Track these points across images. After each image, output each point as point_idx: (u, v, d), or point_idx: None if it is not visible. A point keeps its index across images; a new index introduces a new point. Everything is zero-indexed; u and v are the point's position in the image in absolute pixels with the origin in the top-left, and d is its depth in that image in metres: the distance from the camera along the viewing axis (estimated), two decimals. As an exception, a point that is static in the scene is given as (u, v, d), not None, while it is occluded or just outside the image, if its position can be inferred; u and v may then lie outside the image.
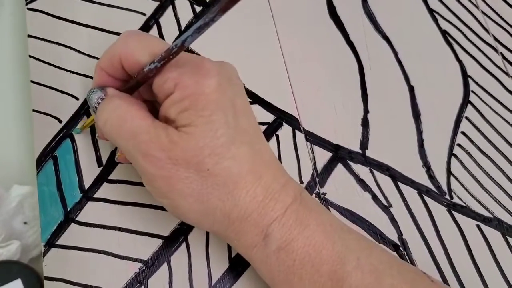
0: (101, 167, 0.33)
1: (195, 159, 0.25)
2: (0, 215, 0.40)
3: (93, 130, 0.33)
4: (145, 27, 0.37)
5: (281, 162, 0.34)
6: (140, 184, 0.33)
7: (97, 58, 0.36)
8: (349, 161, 0.35)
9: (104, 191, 0.32)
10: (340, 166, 0.35)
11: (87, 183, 0.32)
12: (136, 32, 0.29)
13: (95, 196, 0.32)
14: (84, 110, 0.34)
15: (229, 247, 0.32)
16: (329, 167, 0.35)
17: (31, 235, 0.40)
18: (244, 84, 0.36)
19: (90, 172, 0.33)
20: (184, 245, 0.32)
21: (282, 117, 0.36)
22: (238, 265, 0.32)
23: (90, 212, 0.32)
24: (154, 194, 0.27)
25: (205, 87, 0.25)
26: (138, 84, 0.28)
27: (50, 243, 0.31)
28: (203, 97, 0.25)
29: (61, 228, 0.31)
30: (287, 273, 0.26)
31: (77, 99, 0.34)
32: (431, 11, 0.41)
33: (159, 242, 0.32)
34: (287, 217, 0.26)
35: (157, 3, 0.38)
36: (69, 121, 0.34)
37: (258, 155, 0.27)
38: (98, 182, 0.32)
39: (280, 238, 0.26)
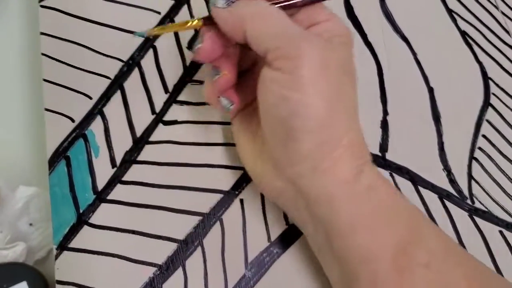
0: (115, 168, 0.32)
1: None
2: (6, 216, 0.40)
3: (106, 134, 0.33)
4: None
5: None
6: (155, 185, 0.32)
7: (111, 57, 0.35)
8: (368, 164, 0.34)
9: (118, 192, 0.31)
10: (359, 169, 0.34)
11: (100, 184, 0.32)
12: None
13: (108, 197, 0.31)
14: (97, 109, 0.33)
15: (246, 252, 0.31)
16: (347, 170, 0.34)
17: (36, 236, 0.39)
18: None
19: (104, 173, 0.32)
20: (199, 249, 0.31)
21: (299, 119, 0.35)
22: (255, 270, 0.31)
23: (103, 214, 0.31)
24: (282, 80, 0.25)
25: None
26: None
27: (62, 246, 0.30)
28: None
29: (74, 230, 0.31)
30: (372, 214, 0.26)
31: (90, 98, 0.34)
32: (450, 12, 0.40)
33: (174, 246, 0.31)
34: (374, 166, 0.27)
35: (172, 2, 0.37)
36: (82, 121, 0.33)
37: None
38: (111, 183, 0.32)
39: (371, 178, 0.26)
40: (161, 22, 0.36)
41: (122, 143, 0.33)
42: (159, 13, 0.37)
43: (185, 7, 0.37)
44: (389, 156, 0.35)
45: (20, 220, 0.38)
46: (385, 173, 0.34)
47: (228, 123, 0.34)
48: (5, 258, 0.35)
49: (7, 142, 0.38)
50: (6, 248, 0.37)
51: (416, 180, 0.34)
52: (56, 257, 0.30)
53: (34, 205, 0.36)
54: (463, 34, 0.40)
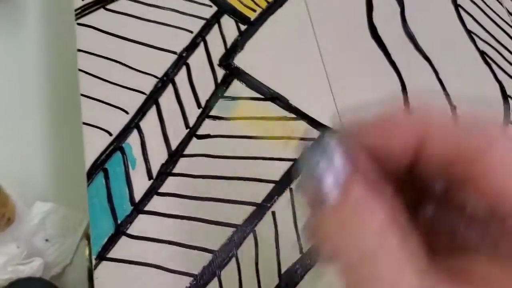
0: (152, 180, 0.33)
1: None
2: (22, 232, 0.40)
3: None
4: (192, 45, 0.38)
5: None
6: (190, 197, 0.33)
7: (147, 73, 0.36)
8: (394, 178, 0.35)
9: (155, 204, 0.32)
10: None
11: (137, 196, 0.32)
12: None
13: (145, 209, 0.32)
14: (134, 123, 0.34)
15: (279, 263, 0.32)
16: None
17: (52, 252, 0.40)
18: (288, 100, 0.37)
19: (141, 185, 0.33)
20: (234, 260, 0.32)
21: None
22: (288, 281, 0.31)
23: (141, 225, 0.32)
24: None
25: None
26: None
27: (101, 256, 0.31)
28: None
29: (112, 241, 0.31)
30: None
31: (127, 112, 0.35)
32: (468, 32, 0.42)
33: (209, 256, 0.31)
34: None
35: (203, 21, 0.38)
36: (119, 134, 0.34)
37: None
38: (148, 195, 0.33)
39: None
40: (193, 41, 0.38)
41: (158, 156, 0.34)
42: (191, 32, 0.38)
43: (216, 26, 0.39)
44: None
45: (36, 236, 0.39)
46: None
47: (257, 137, 0.35)
48: (22, 273, 0.35)
49: (24, 157, 0.39)
50: (23, 263, 0.37)
51: (442, 194, 0.35)
52: (95, 267, 0.31)
53: (50, 221, 0.37)
54: (482, 53, 0.41)
